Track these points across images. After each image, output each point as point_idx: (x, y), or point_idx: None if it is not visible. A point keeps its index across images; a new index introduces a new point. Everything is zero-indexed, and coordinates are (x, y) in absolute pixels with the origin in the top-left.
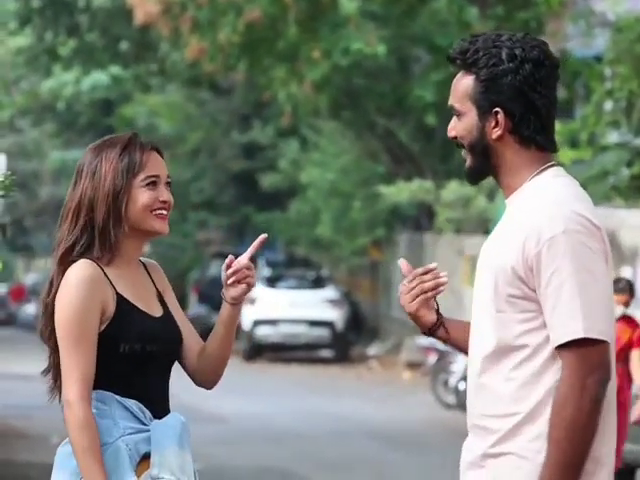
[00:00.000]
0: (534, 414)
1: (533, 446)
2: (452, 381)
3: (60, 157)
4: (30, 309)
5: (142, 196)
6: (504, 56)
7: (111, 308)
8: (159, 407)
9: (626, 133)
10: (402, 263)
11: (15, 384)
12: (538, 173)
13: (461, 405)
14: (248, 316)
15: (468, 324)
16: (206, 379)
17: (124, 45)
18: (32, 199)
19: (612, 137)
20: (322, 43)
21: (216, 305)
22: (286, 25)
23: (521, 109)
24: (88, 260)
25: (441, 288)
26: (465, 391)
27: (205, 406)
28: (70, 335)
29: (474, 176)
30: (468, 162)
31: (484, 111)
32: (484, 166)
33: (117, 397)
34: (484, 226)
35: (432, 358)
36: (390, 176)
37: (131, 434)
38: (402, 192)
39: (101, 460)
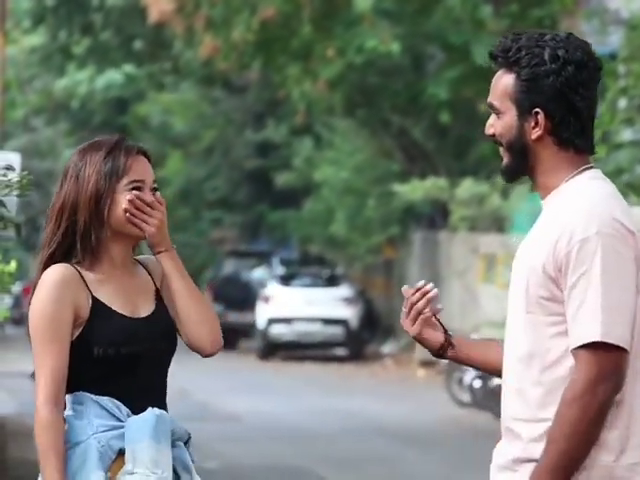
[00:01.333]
0: None
1: None
2: (466, 379)
3: None
4: None
5: (125, 200)
6: (547, 57)
7: (85, 312)
8: (142, 408)
9: None
10: (404, 290)
11: (30, 383)
12: (575, 175)
13: (475, 403)
14: (262, 314)
15: (487, 343)
16: (196, 342)
17: (138, 44)
18: (46, 198)
19: (626, 135)
20: (336, 41)
21: (231, 303)
22: (300, 23)
23: (562, 111)
24: (64, 264)
25: (438, 307)
26: (479, 389)
27: (219, 404)
28: (41, 337)
29: (510, 175)
30: (505, 161)
31: (524, 111)
32: (521, 166)
33: (92, 396)
34: (498, 224)
35: None
36: (404, 174)
37: (105, 431)
38: (416, 190)
39: (62, 464)
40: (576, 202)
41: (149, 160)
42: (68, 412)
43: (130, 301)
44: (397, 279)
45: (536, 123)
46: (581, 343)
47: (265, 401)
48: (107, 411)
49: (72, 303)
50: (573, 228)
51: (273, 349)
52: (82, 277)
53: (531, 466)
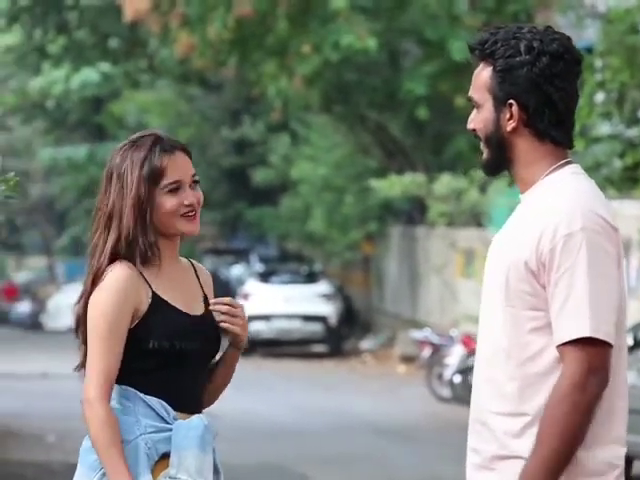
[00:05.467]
0: (541, 416)
1: None
2: (446, 374)
3: (50, 155)
4: (22, 308)
5: (166, 203)
6: (522, 48)
7: (144, 306)
8: (188, 404)
9: (618, 124)
10: None
11: (9, 383)
12: (555, 169)
13: (456, 398)
14: None
15: None
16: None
17: (113, 42)
18: (23, 197)
19: (604, 128)
20: (312, 37)
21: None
22: (276, 20)
23: (536, 102)
24: (125, 262)
25: None
26: (459, 384)
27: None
28: (99, 334)
29: (491, 169)
30: (485, 155)
31: (499, 103)
32: (500, 159)
33: (141, 395)
34: (476, 219)
35: (426, 351)
36: (382, 170)
37: (152, 433)
38: (394, 186)
39: (123, 456)
40: (560, 197)
41: (189, 155)
42: (114, 404)
43: (183, 297)
44: (375, 275)
45: (511, 115)
46: (570, 338)
47: (245, 398)
48: (155, 412)
49: (133, 303)
50: (557, 224)
51: (252, 346)
52: (141, 273)
53: (508, 463)
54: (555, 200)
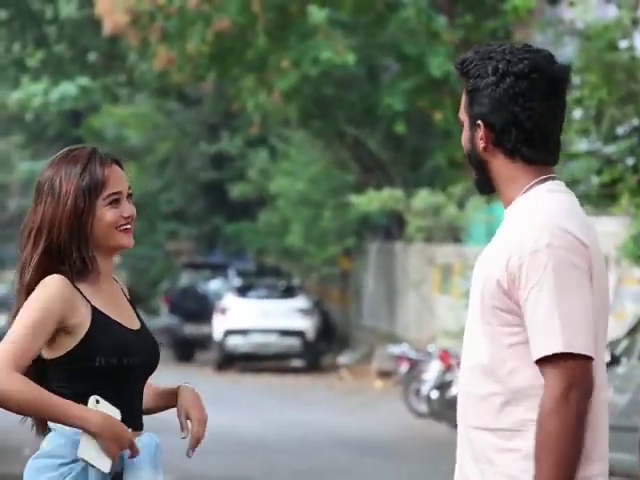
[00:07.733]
0: (520, 432)
1: (520, 465)
2: (424, 390)
3: (29, 168)
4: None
5: (106, 215)
6: (489, 69)
7: (84, 321)
8: (134, 420)
9: (595, 141)
10: None
11: None
12: (533, 186)
13: (433, 414)
14: (219, 326)
15: None
16: None
17: (92, 56)
18: (0, 211)
19: (582, 145)
20: (291, 52)
21: (187, 315)
22: (255, 35)
23: (502, 121)
24: (58, 275)
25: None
26: (436, 400)
27: (175, 416)
28: (26, 320)
29: (480, 188)
30: (473, 174)
31: (472, 122)
32: (482, 177)
33: None
34: (454, 234)
35: (404, 367)
36: (360, 185)
37: None
38: (372, 201)
39: (63, 400)
40: (531, 215)
41: (121, 167)
42: (66, 426)
43: (122, 312)
44: (353, 290)
45: (481, 134)
46: (542, 355)
47: (222, 413)
48: None
49: (61, 311)
50: (525, 241)
51: (230, 361)
52: (78, 289)
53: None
54: (526, 218)
